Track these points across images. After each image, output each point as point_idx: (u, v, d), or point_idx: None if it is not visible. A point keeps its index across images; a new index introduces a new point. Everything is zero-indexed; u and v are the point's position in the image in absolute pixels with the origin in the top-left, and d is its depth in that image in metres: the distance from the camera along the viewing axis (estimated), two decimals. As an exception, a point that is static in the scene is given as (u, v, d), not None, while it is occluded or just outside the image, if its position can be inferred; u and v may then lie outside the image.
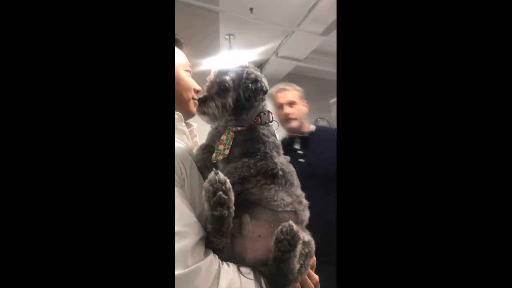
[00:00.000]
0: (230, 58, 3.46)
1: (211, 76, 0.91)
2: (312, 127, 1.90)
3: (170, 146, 0.56)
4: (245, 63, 0.96)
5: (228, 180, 0.70)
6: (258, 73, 0.91)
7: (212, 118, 0.87)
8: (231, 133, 0.87)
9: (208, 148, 0.89)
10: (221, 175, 0.69)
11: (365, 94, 0.49)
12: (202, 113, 0.87)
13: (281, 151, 0.90)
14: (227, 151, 0.85)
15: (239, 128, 0.87)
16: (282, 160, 0.86)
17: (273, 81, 1.95)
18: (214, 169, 0.73)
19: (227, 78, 0.88)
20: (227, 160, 0.84)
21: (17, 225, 0.44)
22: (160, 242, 0.49)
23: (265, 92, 0.89)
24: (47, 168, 0.45)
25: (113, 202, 0.47)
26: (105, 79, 0.48)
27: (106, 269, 0.46)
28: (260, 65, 4.31)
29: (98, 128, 0.48)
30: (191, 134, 1.02)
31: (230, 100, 0.86)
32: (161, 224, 0.49)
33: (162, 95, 0.51)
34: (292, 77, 4.34)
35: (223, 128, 0.89)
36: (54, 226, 0.45)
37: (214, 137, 0.90)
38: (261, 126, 0.89)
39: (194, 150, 0.94)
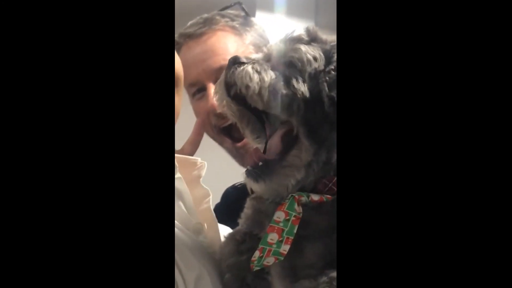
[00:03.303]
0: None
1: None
2: None
3: (170, 146, 0.55)
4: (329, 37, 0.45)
5: None
6: None
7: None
8: (296, 207, 0.42)
9: (249, 241, 0.47)
10: None
11: (366, 93, 0.49)
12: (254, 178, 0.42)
13: None
14: (285, 248, 0.42)
15: (315, 198, 0.44)
16: None
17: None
18: None
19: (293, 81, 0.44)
20: (290, 269, 0.44)
21: (16, 225, 0.44)
22: (160, 242, 0.49)
23: None
24: (44, 168, 0.46)
25: (112, 202, 0.47)
26: (103, 78, 0.48)
27: (105, 270, 0.46)
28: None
29: (97, 129, 0.48)
30: (194, 189, 0.51)
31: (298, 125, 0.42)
32: (161, 225, 0.49)
33: (161, 92, 0.51)
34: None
35: (278, 195, 0.44)
36: (49, 226, 0.45)
37: (262, 216, 0.47)
38: None
39: (206, 237, 0.49)
